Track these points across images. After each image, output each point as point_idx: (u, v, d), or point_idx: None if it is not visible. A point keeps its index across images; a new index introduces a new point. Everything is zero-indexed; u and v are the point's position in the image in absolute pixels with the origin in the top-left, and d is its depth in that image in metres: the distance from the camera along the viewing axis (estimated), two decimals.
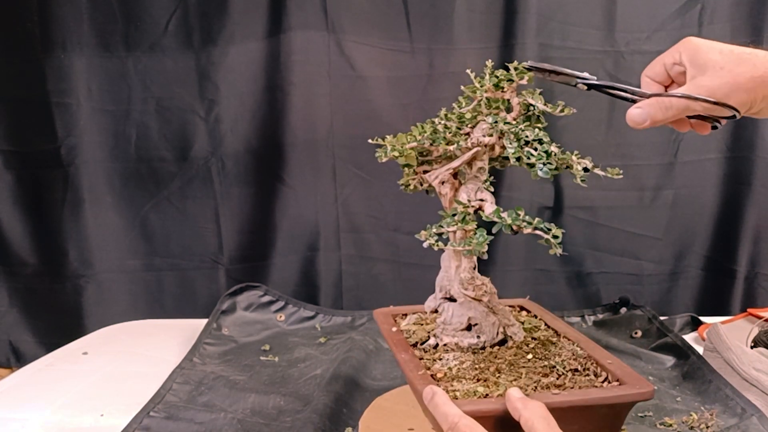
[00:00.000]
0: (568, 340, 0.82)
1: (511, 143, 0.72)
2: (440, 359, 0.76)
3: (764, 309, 1.28)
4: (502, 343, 0.81)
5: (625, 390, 0.68)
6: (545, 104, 0.77)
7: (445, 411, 0.61)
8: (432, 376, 0.72)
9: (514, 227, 0.69)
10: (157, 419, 0.88)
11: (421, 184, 0.82)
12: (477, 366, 0.74)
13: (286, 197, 1.49)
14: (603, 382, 0.72)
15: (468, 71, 0.79)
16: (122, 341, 1.21)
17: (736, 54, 0.62)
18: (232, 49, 1.42)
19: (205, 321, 1.21)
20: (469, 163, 0.78)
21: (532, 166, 0.71)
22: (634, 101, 0.68)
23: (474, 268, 0.80)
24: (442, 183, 0.79)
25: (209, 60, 1.43)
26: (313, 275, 1.52)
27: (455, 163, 0.77)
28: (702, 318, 1.25)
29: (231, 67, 1.43)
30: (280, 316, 1.27)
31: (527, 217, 0.69)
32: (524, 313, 0.95)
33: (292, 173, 1.47)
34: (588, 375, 0.73)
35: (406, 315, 0.89)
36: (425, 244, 0.71)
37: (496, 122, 0.74)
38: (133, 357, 1.14)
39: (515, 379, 0.71)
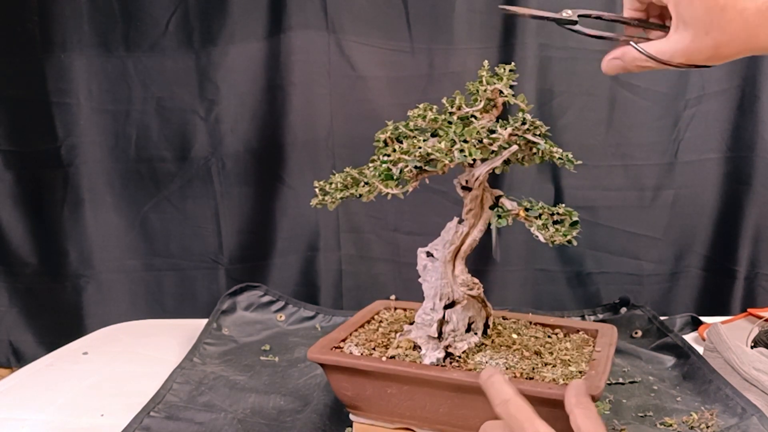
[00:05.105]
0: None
1: (539, 139, 0.73)
2: (479, 362, 0.77)
3: (764, 309, 1.27)
4: (483, 332, 0.84)
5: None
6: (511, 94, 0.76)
7: (499, 388, 0.60)
8: None
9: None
10: (157, 419, 0.88)
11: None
12: (506, 357, 0.78)
13: (286, 197, 1.49)
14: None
15: (482, 72, 0.78)
16: (122, 341, 1.21)
17: (725, 18, 0.56)
18: (232, 49, 1.42)
19: (205, 321, 1.21)
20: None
21: (560, 159, 0.73)
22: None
23: None
24: (478, 182, 0.78)
25: (209, 60, 1.43)
26: (313, 275, 1.52)
27: (497, 162, 0.75)
28: (702, 318, 1.25)
29: (231, 67, 1.43)
30: (280, 316, 1.27)
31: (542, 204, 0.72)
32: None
33: (292, 173, 1.47)
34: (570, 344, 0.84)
35: (339, 347, 0.83)
36: (539, 236, 0.71)
37: (524, 122, 0.74)
38: (133, 357, 1.13)
39: (560, 362, 0.78)
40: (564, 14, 0.66)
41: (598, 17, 0.66)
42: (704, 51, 0.58)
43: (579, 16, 0.66)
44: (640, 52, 0.61)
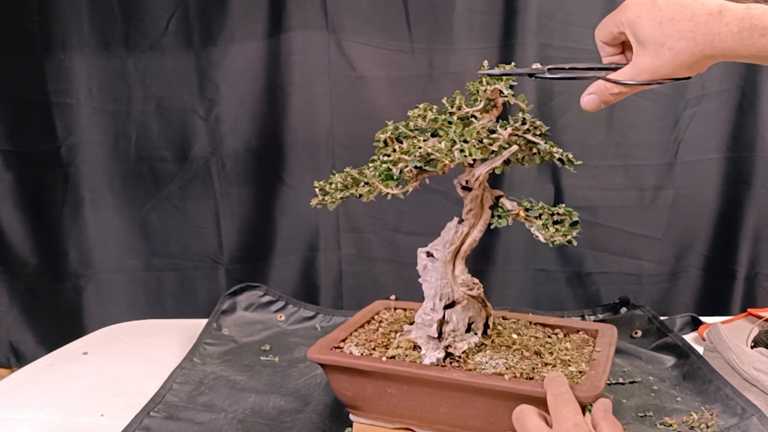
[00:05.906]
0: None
1: (539, 139, 0.73)
2: (479, 362, 0.77)
3: (764, 309, 1.28)
4: (483, 332, 0.84)
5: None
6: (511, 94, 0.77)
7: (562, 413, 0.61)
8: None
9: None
10: (157, 419, 0.88)
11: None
12: (506, 357, 0.78)
13: (286, 197, 1.49)
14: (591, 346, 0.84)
15: (482, 73, 0.78)
16: (122, 341, 1.21)
17: (676, 27, 0.59)
18: (232, 49, 1.42)
19: (205, 321, 1.21)
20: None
21: (560, 159, 0.73)
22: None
23: None
24: (478, 182, 0.78)
25: (209, 60, 1.43)
26: (313, 275, 1.52)
27: (497, 162, 0.75)
28: (702, 318, 1.25)
29: (231, 67, 1.43)
30: (280, 316, 1.27)
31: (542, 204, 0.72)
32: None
33: (292, 173, 1.47)
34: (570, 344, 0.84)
35: (339, 348, 0.83)
36: (539, 236, 0.71)
37: (524, 122, 0.74)
38: (133, 357, 1.13)
39: (560, 362, 0.78)
40: (534, 67, 0.70)
41: (572, 68, 0.70)
42: (666, 63, 0.60)
43: (549, 69, 0.70)
44: (610, 81, 0.65)
